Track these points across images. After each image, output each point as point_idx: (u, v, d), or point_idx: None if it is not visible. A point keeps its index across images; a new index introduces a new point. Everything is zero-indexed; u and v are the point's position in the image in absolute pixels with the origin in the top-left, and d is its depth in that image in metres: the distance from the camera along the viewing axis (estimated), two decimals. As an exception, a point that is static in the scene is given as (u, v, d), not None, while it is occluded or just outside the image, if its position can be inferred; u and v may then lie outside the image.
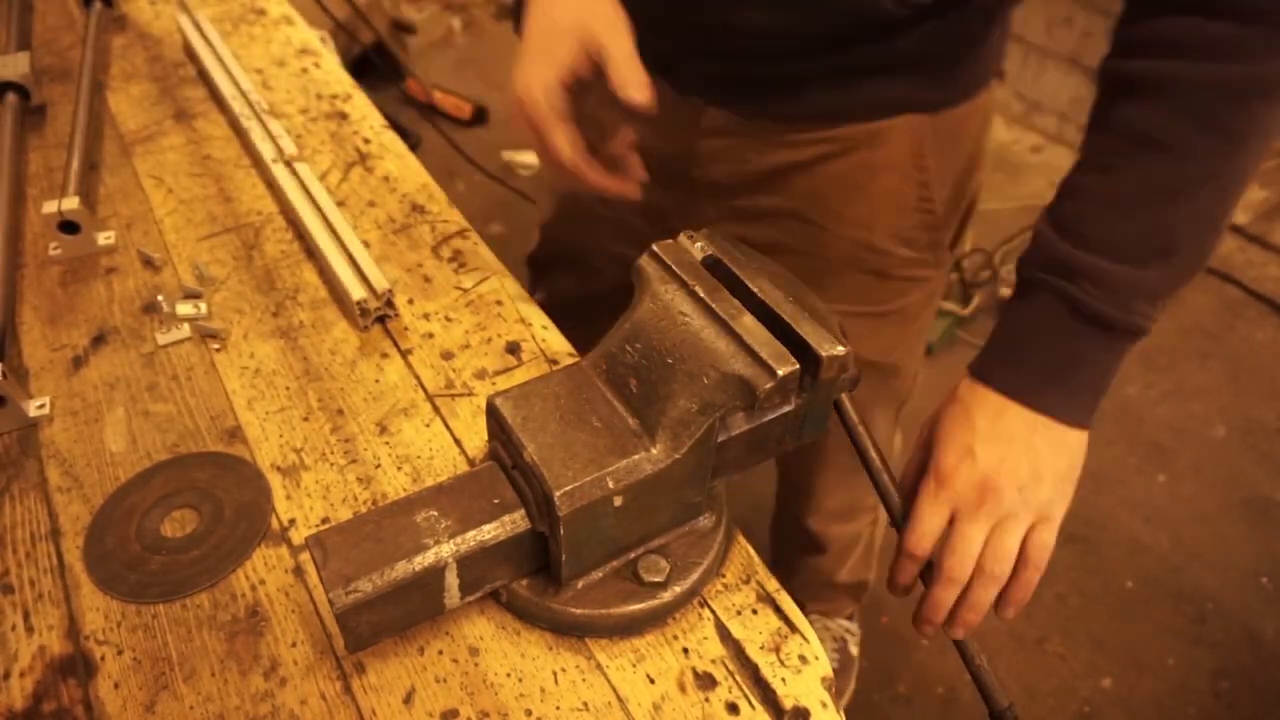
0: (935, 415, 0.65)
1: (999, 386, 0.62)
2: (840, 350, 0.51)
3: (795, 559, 1.33)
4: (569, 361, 0.71)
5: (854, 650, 1.49)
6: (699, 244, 0.57)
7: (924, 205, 0.84)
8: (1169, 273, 0.59)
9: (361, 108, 1.01)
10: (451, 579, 0.51)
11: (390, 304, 0.75)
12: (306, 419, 0.68)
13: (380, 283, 0.74)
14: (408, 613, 0.51)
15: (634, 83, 0.62)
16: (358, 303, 0.73)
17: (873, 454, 0.58)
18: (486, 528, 0.51)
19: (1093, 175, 0.62)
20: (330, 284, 0.79)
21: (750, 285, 0.54)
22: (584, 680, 0.53)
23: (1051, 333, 0.61)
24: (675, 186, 0.92)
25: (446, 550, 0.50)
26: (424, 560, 0.50)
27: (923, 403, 2.10)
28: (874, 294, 0.90)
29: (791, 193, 0.85)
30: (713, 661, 0.54)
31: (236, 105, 0.96)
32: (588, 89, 0.64)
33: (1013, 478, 0.59)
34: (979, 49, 0.79)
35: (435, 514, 0.51)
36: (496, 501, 0.52)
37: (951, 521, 0.60)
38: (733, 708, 0.51)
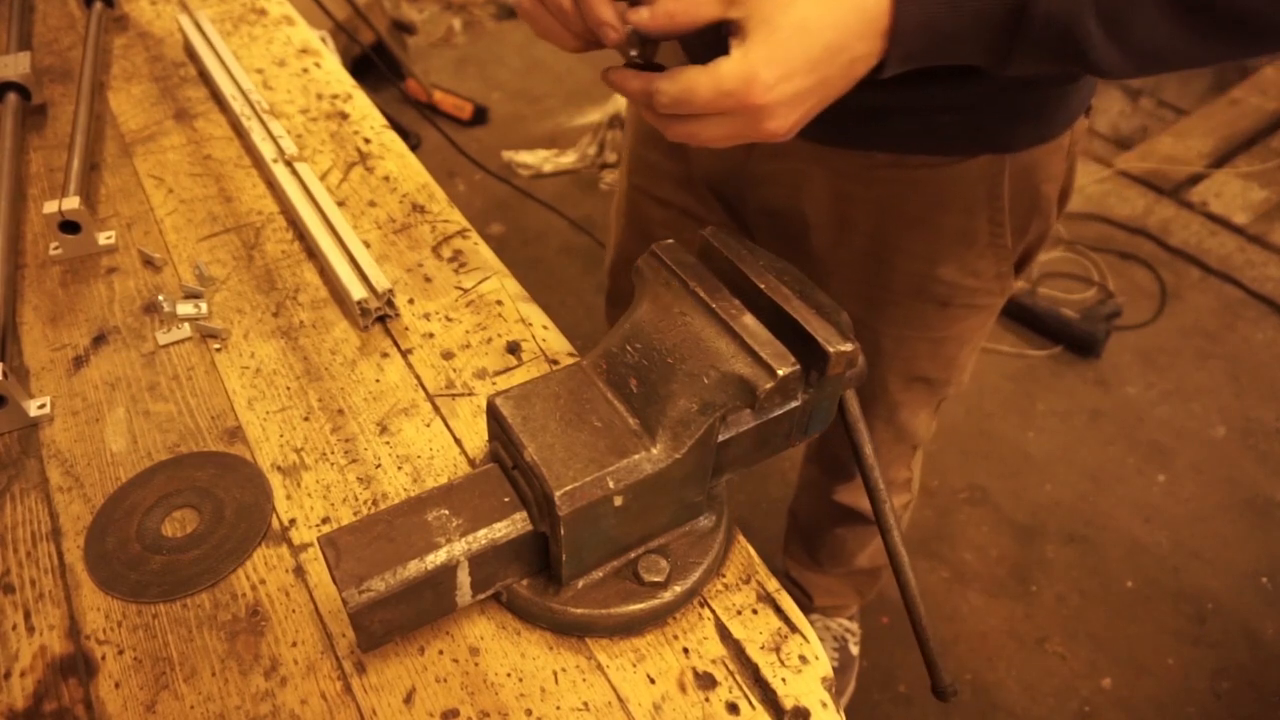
0: None
1: None
2: (847, 346, 0.51)
3: (819, 536, 1.32)
4: (569, 361, 0.71)
5: (854, 650, 1.49)
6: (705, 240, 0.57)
7: (996, 242, 0.81)
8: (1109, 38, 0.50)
9: (362, 108, 1.01)
10: (464, 577, 0.51)
11: (391, 304, 0.75)
12: (307, 419, 0.68)
13: (381, 282, 0.74)
14: (420, 611, 0.52)
15: None
16: (358, 303, 0.73)
17: (868, 452, 0.58)
18: (498, 526, 0.51)
19: None
20: (331, 284, 0.79)
21: (757, 282, 0.54)
22: (584, 680, 0.53)
23: None
24: (729, 201, 0.91)
25: (459, 548, 0.50)
26: (436, 559, 0.50)
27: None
28: (934, 321, 0.88)
29: (852, 225, 0.82)
30: (713, 661, 0.54)
31: (237, 105, 0.96)
32: None
33: None
34: (1070, 87, 0.75)
35: (446, 513, 0.51)
36: (507, 500, 0.52)
37: None
38: (733, 708, 0.51)
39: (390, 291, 0.75)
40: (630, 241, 1.06)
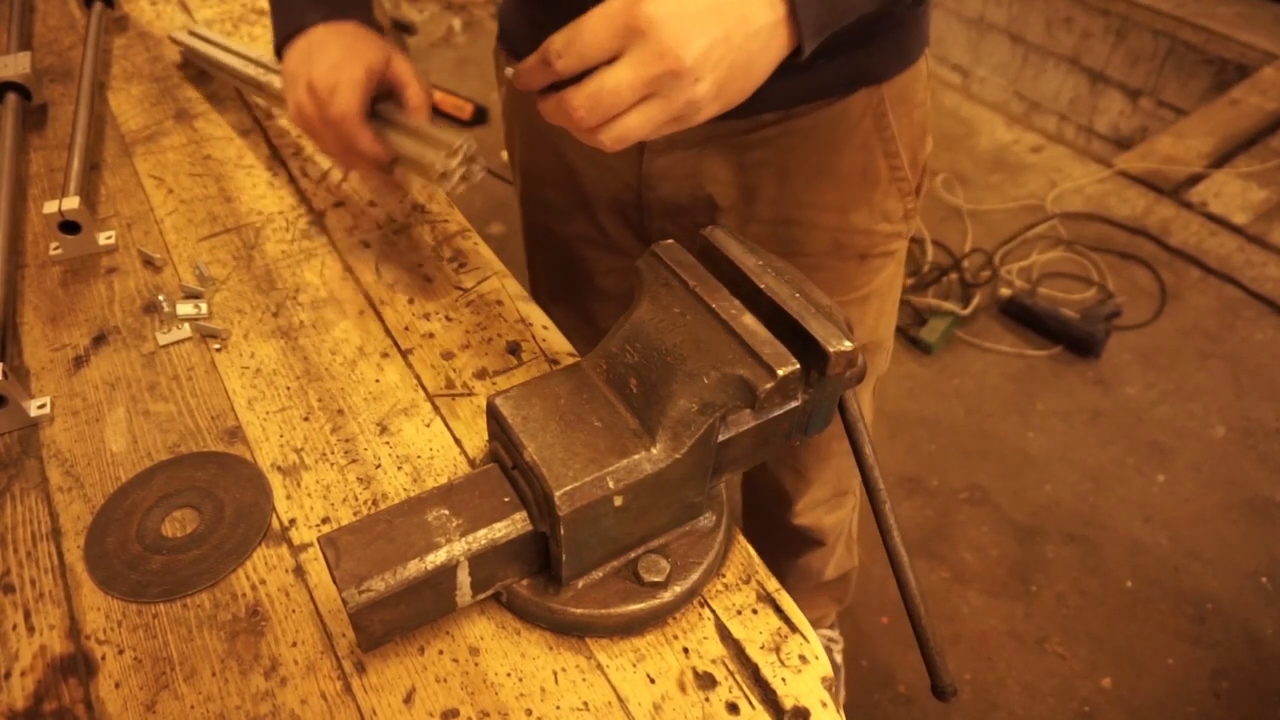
0: None
1: None
2: (847, 345, 0.51)
3: (784, 564, 1.32)
4: (569, 361, 0.71)
5: (838, 658, 1.48)
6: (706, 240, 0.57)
7: (896, 175, 0.84)
8: None
9: (362, 108, 1.01)
10: (464, 577, 0.51)
11: (473, 159, 0.69)
12: (307, 419, 0.68)
13: (452, 140, 0.67)
14: (420, 611, 0.52)
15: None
16: (435, 167, 0.67)
17: (868, 452, 0.58)
18: (498, 526, 0.51)
19: None
20: (401, 160, 0.72)
21: (757, 282, 0.54)
22: (584, 680, 0.53)
23: None
24: (629, 217, 0.92)
25: (459, 548, 0.50)
26: (436, 559, 0.50)
27: (914, 404, 2.08)
28: (856, 279, 0.90)
29: (759, 195, 0.83)
30: (713, 661, 0.54)
31: (251, 70, 0.93)
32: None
33: None
34: (919, 11, 0.81)
35: (446, 513, 0.51)
36: (507, 500, 0.52)
37: None
38: (733, 707, 0.51)
39: (467, 144, 0.68)
40: (542, 273, 1.08)
